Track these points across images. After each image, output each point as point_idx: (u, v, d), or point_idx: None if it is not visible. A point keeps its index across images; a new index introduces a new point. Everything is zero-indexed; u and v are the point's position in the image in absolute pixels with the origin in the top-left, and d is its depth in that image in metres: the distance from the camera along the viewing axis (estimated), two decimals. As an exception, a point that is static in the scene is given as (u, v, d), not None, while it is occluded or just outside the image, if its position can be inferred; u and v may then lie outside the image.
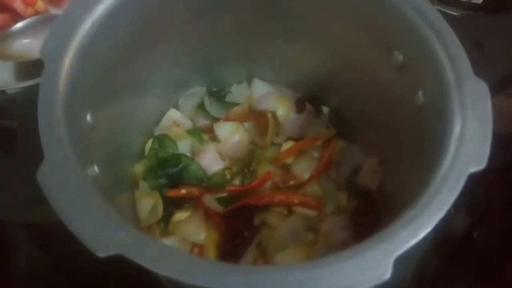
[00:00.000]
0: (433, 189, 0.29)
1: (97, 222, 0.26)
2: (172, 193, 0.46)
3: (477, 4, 0.60)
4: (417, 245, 0.27)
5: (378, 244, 0.27)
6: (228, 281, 0.25)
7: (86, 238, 0.26)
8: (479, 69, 0.33)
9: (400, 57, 0.38)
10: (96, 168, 0.34)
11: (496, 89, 0.33)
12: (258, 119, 0.51)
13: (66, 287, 0.52)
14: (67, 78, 0.33)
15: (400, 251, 0.26)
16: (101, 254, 0.25)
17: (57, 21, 0.34)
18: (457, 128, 0.31)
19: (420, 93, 0.36)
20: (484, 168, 0.30)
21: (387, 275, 0.25)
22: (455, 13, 0.59)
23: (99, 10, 0.35)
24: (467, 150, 0.30)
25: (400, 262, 0.27)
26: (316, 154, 0.50)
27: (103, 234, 0.26)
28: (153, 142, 0.49)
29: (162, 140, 0.49)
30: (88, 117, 0.35)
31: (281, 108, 0.51)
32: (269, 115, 0.50)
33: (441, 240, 0.54)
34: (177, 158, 0.47)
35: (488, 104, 0.32)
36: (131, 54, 0.41)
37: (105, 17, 0.36)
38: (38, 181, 0.28)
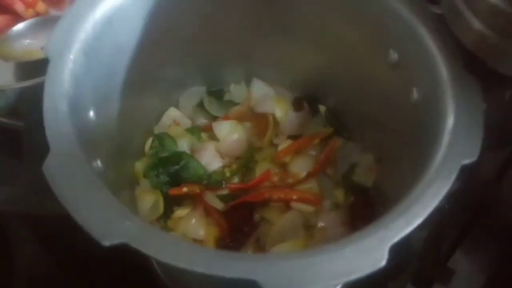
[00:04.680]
0: (427, 180, 0.30)
1: (102, 212, 0.27)
2: (174, 191, 0.47)
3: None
4: (411, 235, 0.28)
5: (374, 232, 0.28)
6: (230, 268, 0.26)
7: (92, 227, 0.26)
8: (472, 67, 0.35)
9: (395, 56, 0.40)
10: (99, 162, 0.34)
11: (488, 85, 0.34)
12: (257, 120, 0.52)
13: (68, 281, 0.52)
14: (71, 74, 0.34)
15: (396, 239, 0.27)
16: (106, 243, 0.26)
17: (61, 19, 0.35)
18: (450, 123, 0.32)
19: (415, 89, 0.37)
20: (479, 164, 0.31)
21: (383, 262, 0.26)
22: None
23: (103, 9, 0.36)
24: (459, 143, 0.31)
25: (395, 255, 0.27)
26: (313, 152, 0.51)
27: (108, 223, 0.27)
28: (153, 141, 0.49)
29: (161, 138, 0.49)
30: (91, 114, 0.36)
31: (279, 110, 0.51)
32: (270, 118, 0.51)
33: (436, 239, 0.55)
34: (178, 155, 0.48)
35: (480, 100, 0.33)
36: (133, 53, 0.42)
37: (108, 16, 0.37)
38: (43, 173, 0.29)
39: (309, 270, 0.26)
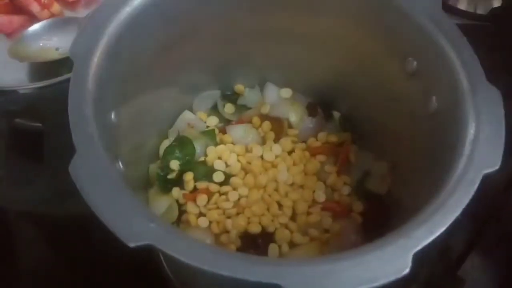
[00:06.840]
0: (448, 189, 0.30)
1: (128, 214, 0.27)
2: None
3: (483, 14, 0.62)
4: (433, 243, 0.29)
5: (396, 240, 0.28)
6: (254, 272, 0.26)
7: (118, 228, 0.27)
8: (491, 76, 0.35)
9: (413, 64, 0.40)
10: (120, 164, 0.35)
11: (508, 95, 0.34)
12: (271, 124, 0.52)
13: (73, 282, 0.52)
14: (95, 77, 0.34)
15: (418, 247, 0.27)
16: (132, 244, 0.26)
17: (85, 22, 0.36)
18: (471, 132, 0.33)
19: (434, 98, 0.37)
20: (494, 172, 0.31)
21: (407, 270, 0.26)
22: (460, 22, 0.60)
23: (125, 13, 0.37)
24: (481, 153, 0.31)
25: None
26: (326, 158, 0.51)
27: (134, 225, 0.27)
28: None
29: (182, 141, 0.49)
30: (112, 116, 0.36)
31: (294, 114, 0.52)
32: (285, 123, 0.51)
33: (447, 248, 0.55)
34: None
35: (500, 109, 0.33)
36: (151, 56, 0.42)
37: (130, 20, 0.37)
38: (70, 173, 0.29)
39: (333, 276, 0.26)
